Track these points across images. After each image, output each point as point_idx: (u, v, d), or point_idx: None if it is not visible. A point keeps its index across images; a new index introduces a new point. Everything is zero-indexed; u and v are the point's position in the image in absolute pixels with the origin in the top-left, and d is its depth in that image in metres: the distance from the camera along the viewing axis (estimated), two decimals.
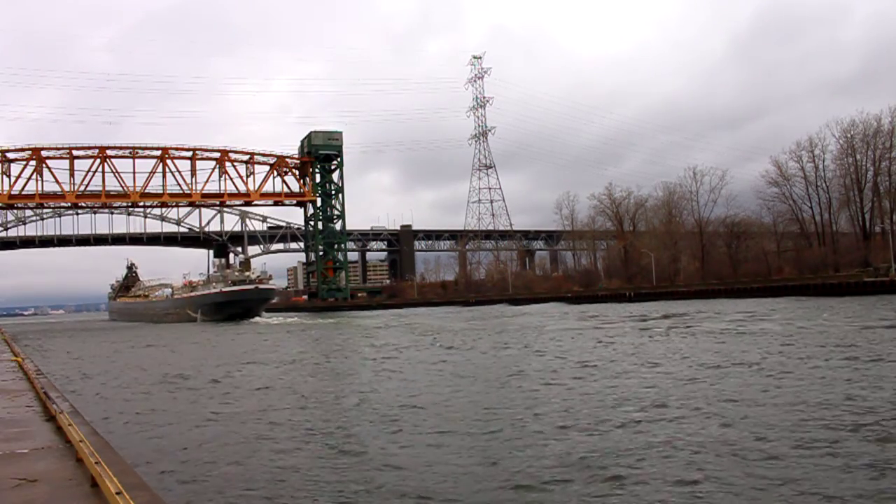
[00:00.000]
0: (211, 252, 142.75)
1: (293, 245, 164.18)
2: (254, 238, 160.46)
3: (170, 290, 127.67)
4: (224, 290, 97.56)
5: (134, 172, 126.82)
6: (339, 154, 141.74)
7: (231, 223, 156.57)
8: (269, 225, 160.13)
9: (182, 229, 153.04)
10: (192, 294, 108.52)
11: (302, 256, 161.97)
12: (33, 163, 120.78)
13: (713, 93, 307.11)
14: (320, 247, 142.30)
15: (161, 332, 74.64)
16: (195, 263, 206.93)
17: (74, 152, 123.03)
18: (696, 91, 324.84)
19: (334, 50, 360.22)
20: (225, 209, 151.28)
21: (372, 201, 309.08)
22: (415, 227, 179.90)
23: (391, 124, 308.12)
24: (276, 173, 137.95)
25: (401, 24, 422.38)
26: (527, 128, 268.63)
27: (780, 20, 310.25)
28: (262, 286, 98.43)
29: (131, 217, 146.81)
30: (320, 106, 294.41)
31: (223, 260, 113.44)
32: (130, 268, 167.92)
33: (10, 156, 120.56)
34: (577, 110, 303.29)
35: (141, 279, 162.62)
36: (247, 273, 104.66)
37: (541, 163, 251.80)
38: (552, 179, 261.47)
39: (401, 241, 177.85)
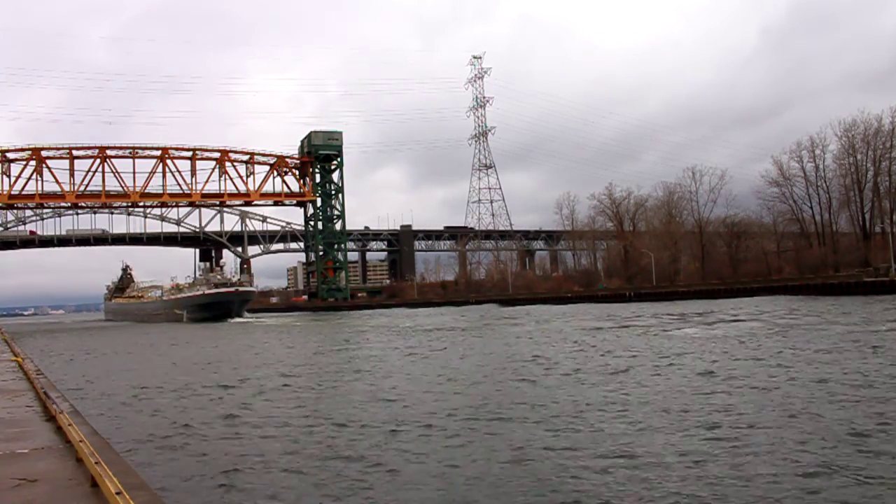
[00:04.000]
0: (197, 254, 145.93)
1: (293, 245, 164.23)
2: (254, 238, 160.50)
3: (160, 291, 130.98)
4: (207, 292, 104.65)
5: (134, 172, 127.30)
6: (339, 154, 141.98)
7: (231, 223, 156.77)
8: (269, 225, 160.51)
9: (182, 229, 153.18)
10: (179, 296, 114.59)
11: (302, 256, 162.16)
12: (33, 163, 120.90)
13: (738, 88, 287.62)
14: (320, 247, 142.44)
15: (148, 331, 78.49)
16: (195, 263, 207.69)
17: (74, 152, 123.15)
18: (721, 86, 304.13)
19: (354, 42, 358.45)
20: (225, 209, 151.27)
21: (383, 198, 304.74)
22: (424, 226, 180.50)
23: (406, 120, 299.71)
24: (276, 173, 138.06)
25: (425, 18, 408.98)
26: (545, 123, 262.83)
27: (814, 9, 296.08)
28: (241, 289, 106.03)
29: (131, 217, 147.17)
30: (335, 101, 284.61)
31: (207, 264, 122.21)
32: (125, 269, 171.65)
33: (10, 156, 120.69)
34: (596, 106, 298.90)
35: (135, 280, 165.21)
36: (228, 276, 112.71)
37: (557, 159, 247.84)
38: (567, 177, 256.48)
39: (401, 241, 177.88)
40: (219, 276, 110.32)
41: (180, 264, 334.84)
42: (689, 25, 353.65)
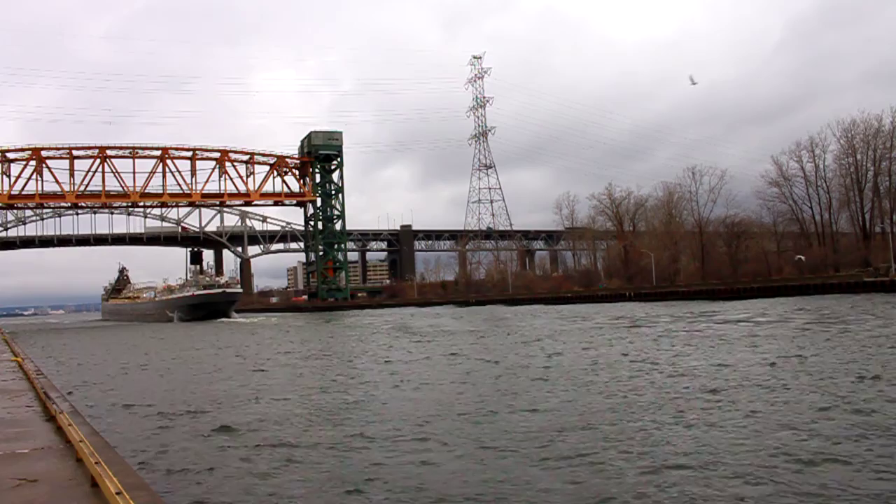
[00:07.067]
0: (188, 255, 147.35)
1: (293, 245, 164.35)
2: (254, 238, 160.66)
3: (153, 292, 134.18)
4: (196, 293, 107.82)
5: (134, 172, 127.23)
6: (339, 154, 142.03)
7: (231, 223, 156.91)
8: (269, 225, 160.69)
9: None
10: (171, 297, 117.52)
11: (302, 256, 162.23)
12: (33, 163, 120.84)
13: (758, 86, 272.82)
14: (320, 247, 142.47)
15: (139, 330, 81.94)
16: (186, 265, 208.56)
17: (74, 152, 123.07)
18: (741, 82, 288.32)
19: (369, 36, 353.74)
20: (225, 209, 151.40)
21: (391, 196, 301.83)
22: (431, 225, 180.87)
23: (414, 117, 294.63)
24: (276, 173, 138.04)
25: (445, 11, 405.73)
26: (558, 123, 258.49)
27: (844, 1, 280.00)
28: (229, 290, 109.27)
29: (131, 217, 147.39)
30: (347, 97, 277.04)
31: (197, 266, 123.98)
32: (122, 271, 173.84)
33: (10, 156, 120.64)
34: (612, 102, 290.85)
35: (131, 282, 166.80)
36: (217, 278, 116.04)
37: (569, 157, 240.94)
38: (579, 175, 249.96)
39: (401, 241, 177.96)
40: (207, 278, 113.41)
41: (180, 265, 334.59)
42: (712, 17, 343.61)
